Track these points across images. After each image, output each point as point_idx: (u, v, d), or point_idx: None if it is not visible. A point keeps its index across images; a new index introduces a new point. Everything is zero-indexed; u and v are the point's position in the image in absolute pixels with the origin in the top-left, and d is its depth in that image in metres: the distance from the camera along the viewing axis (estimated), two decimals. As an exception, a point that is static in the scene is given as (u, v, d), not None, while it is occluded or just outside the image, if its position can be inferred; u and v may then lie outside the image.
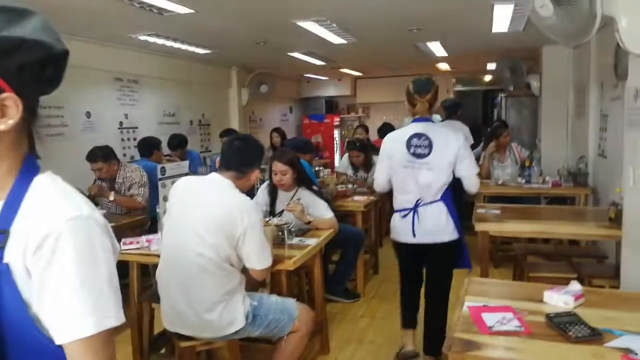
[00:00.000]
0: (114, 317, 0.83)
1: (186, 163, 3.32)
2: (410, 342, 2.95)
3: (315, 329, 2.75)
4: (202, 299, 2.21)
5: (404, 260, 2.96)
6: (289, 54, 6.35)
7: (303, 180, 3.37)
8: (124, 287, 1.39)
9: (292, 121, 10.39)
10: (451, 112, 5.97)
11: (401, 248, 2.90)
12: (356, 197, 4.42)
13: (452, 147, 2.69)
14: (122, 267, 1.49)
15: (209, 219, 2.20)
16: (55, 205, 0.84)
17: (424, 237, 2.75)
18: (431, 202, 2.73)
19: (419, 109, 2.75)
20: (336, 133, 10.38)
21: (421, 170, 2.70)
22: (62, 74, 0.89)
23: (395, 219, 2.87)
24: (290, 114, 10.37)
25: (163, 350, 3.00)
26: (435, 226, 2.73)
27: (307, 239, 3.00)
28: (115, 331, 0.85)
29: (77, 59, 4.99)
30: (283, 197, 3.42)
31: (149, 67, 5.85)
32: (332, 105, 10.74)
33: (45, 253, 0.80)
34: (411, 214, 2.76)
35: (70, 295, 0.80)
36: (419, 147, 2.70)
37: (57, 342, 0.80)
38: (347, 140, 7.43)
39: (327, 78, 9.99)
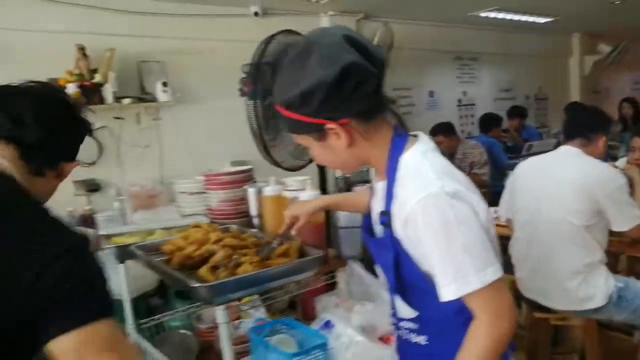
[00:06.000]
0: (473, 280, 0.93)
1: (551, 141, 3.23)
2: None
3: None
4: (561, 267, 2.15)
5: None
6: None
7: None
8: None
9: (647, 90, 8.76)
10: None
11: None
12: None
13: None
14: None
15: (570, 185, 2.11)
16: (408, 186, 0.97)
17: None
18: None
19: None
20: None
21: None
22: None
23: None
24: (644, 82, 8.76)
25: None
26: None
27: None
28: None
29: (423, 42, 5.43)
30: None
31: (487, 44, 5.92)
32: None
33: (411, 232, 0.97)
34: None
35: (435, 268, 0.96)
36: None
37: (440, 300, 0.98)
38: None
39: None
